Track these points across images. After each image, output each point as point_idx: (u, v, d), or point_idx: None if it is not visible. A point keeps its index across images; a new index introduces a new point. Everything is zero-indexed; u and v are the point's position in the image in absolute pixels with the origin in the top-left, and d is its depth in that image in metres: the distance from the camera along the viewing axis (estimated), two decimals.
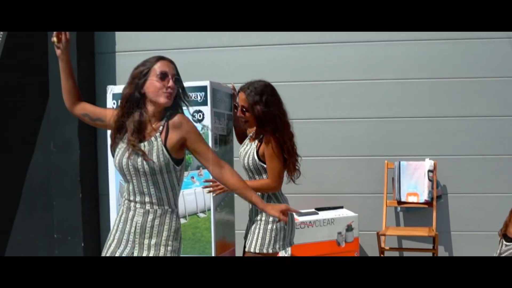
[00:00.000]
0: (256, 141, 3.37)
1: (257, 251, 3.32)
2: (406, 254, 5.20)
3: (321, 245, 4.65)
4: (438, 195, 5.09)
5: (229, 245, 3.89)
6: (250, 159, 3.35)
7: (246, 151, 3.41)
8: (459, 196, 5.14)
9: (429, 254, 4.95)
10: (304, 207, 4.94)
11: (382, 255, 4.82)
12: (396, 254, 5.21)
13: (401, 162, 5.08)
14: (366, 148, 5.22)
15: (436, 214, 5.00)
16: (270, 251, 3.31)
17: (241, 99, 3.30)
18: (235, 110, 3.60)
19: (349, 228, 4.75)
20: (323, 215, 4.76)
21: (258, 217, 3.34)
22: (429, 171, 4.99)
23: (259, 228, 3.34)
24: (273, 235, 3.32)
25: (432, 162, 5.02)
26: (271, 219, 3.25)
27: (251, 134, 3.44)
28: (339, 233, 4.71)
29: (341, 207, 5.06)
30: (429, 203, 4.99)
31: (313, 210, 4.94)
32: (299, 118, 5.13)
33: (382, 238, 4.88)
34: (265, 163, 3.29)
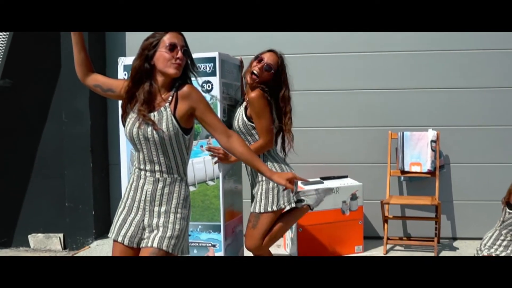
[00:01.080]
0: (245, 103, 3.48)
1: (262, 210, 3.40)
2: (409, 222, 5.27)
3: (326, 213, 4.67)
4: (441, 165, 5.12)
5: (236, 213, 3.96)
6: (240, 120, 3.46)
7: (236, 114, 3.53)
8: (462, 166, 5.17)
9: (432, 222, 5.01)
10: (310, 177, 4.94)
11: (385, 223, 4.89)
12: (399, 222, 5.28)
13: (405, 133, 5.09)
14: (370, 119, 5.25)
15: (439, 183, 5.03)
16: (275, 208, 3.40)
17: (270, 58, 3.41)
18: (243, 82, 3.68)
19: (354, 197, 4.78)
20: (328, 184, 4.78)
21: (259, 179, 3.43)
22: (432, 141, 5.00)
23: (261, 189, 3.43)
24: (275, 193, 3.40)
25: (435, 132, 5.03)
26: None
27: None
28: (344, 202, 4.75)
29: (346, 177, 5.10)
30: (432, 172, 5.02)
31: (319, 179, 4.98)
32: (305, 89, 5.19)
33: (386, 206, 4.91)
34: (253, 123, 3.42)
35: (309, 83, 5.24)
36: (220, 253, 3.61)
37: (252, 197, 3.56)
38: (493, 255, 3.40)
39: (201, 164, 3.60)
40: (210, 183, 3.62)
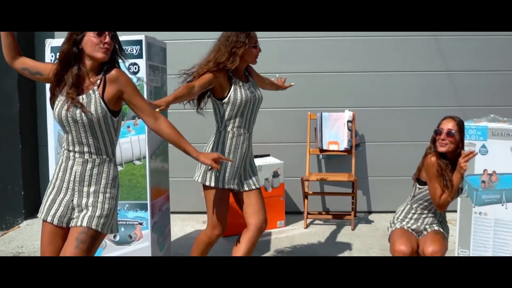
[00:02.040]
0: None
1: (199, 180, 3.37)
2: (327, 197, 5.50)
3: None
4: (357, 144, 5.36)
5: (163, 192, 4.02)
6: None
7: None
8: (376, 144, 5.44)
9: (349, 197, 5.24)
10: None
11: (306, 199, 5.08)
12: (318, 198, 5.50)
13: (323, 113, 5.28)
14: (291, 101, 5.39)
15: (355, 161, 5.26)
16: (207, 183, 3.34)
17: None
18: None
19: (275, 175, 4.93)
20: None
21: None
22: (348, 121, 5.21)
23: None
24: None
25: (351, 113, 5.24)
26: None
27: None
28: (266, 179, 4.88)
29: (268, 155, 5.24)
30: (348, 151, 5.23)
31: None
32: None
33: (306, 183, 5.10)
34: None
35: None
36: (147, 231, 3.68)
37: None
38: (405, 227, 3.54)
39: (128, 144, 3.63)
40: (137, 162, 3.66)
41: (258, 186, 3.45)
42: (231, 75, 3.28)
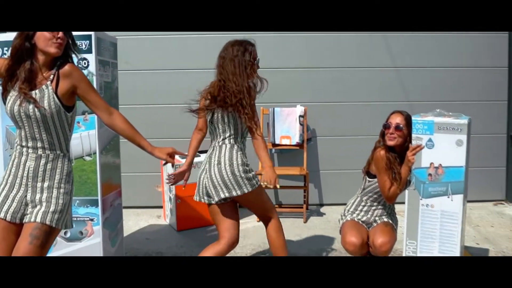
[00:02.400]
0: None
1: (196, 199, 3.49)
2: (280, 191, 5.54)
3: None
4: (308, 138, 5.41)
5: (115, 187, 3.97)
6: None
7: None
8: (326, 138, 5.51)
9: (301, 190, 5.29)
10: (187, 150, 5.13)
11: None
12: (271, 191, 5.49)
13: (275, 109, 5.31)
14: None
15: (307, 155, 5.31)
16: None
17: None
18: None
19: None
20: (204, 157, 4.84)
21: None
22: (300, 116, 5.26)
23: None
24: None
25: (302, 108, 5.29)
26: None
27: None
28: None
29: None
30: (300, 145, 5.28)
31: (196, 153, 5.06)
32: (180, 68, 5.26)
33: (259, 177, 5.12)
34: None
35: (184, 63, 5.34)
36: (98, 227, 3.63)
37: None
38: (356, 219, 3.62)
39: (78, 140, 3.56)
40: (87, 158, 3.60)
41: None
42: None
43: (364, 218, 3.65)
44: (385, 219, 3.64)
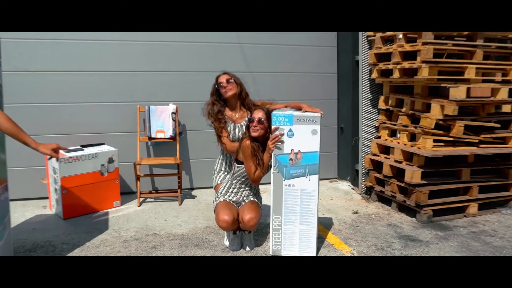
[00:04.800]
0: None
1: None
2: (156, 178, 5.35)
3: (87, 175, 4.51)
4: (180, 132, 5.28)
5: (1, 181, 3.63)
6: None
7: None
8: (195, 132, 5.41)
9: (175, 177, 5.17)
10: (73, 145, 4.78)
11: (138, 181, 4.92)
12: (149, 179, 5.33)
13: (151, 106, 5.11)
14: (122, 96, 5.15)
15: (179, 146, 5.21)
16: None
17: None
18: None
19: (110, 161, 4.68)
20: (87, 150, 4.62)
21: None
22: (172, 113, 5.13)
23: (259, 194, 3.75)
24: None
25: (174, 106, 5.15)
26: None
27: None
28: (102, 165, 4.62)
29: (103, 144, 4.96)
30: (173, 138, 5.15)
31: (79, 147, 4.76)
32: (75, 70, 4.97)
33: (138, 167, 4.90)
34: None
35: (76, 65, 5.03)
36: None
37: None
38: (227, 200, 3.61)
39: None
40: None
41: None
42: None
43: (234, 199, 3.65)
44: (252, 198, 3.67)
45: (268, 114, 3.49)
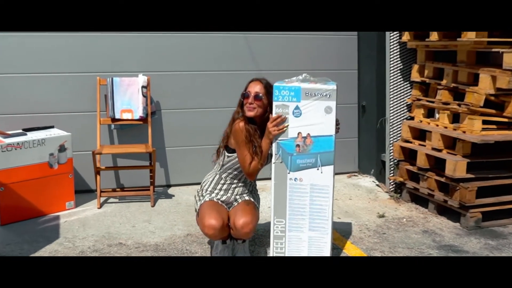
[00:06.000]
0: None
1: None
2: (122, 172, 5.33)
3: (31, 168, 4.48)
4: (153, 111, 5.23)
5: None
6: None
7: None
8: (173, 111, 5.37)
9: (146, 170, 5.14)
10: (12, 129, 4.72)
11: (98, 175, 4.88)
12: (112, 173, 5.30)
13: (114, 78, 5.06)
14: (77, 64, 5.11)
15: (152, 130, 5.16)
16: None
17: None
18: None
19: (62, 149, 4.64)
20: (32, 136, 4.57)
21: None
22: (143, 87, 5.08)
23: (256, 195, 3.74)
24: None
25: (145, 78, 5.10)
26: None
27: None
28: (51, 154, 4.59)
29: (52, 127, 4.92)
30: (144, 119, 5.11)
31: (21, 131, 4.71)
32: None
33: (97, 157, 4.87)
34: None
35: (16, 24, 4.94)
36: None
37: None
38: (215, 199, 3.55)
39: None
40: None
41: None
42: None
43: (224, 198, 3.61)
44: (246, 198, 3.63)
45: (268, 88, 3.46)
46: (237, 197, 3.66)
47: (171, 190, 5.44)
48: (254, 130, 3.47)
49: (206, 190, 3.68)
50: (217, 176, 3.67)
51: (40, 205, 4.64)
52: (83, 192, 5.21)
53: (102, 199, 5.03)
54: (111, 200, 5.13)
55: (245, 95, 3.47)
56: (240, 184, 3.66)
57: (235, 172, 3.62)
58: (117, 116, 5.15)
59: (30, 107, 5.07)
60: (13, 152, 4.42)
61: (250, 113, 3.45)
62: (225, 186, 3.65)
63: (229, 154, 3.58)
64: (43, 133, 4.73)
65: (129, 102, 5.16)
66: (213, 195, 3.64)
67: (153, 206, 4.96)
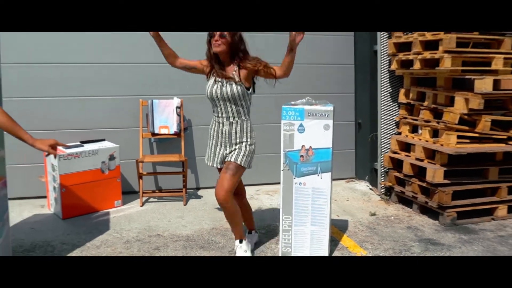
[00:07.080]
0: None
1: (243, 164, 3.46)
2: (160, 177, 5.48)
3: (87, 173, 4.65)
4: (185, 127, 5.40)
5: (0, 178, 3.79)
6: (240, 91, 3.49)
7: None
8: (201, 127, 5.51)
9: (180, 176, 5.28)
10: (71, 141, 4.88)
11: (140, 179, 5.03)
12: (152, 177, 5.45)
13: (154, 100, 5.24)
14: (124, 89, 5.29)
15: (184, 143, 5.32)
16: (250, 166, 3.54)
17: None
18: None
19: (112, 158, 4.82)
20: (87, 147, 4.75)
21: (244, 139, 3.51)
22: (177, 107, 5.25)
23: (247, 148, 3.47)
24: (252, 156, 3.48)
25: (179, 100, 5.27)
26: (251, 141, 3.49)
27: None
28: (103, 162, 4.76)
29: (103, 140, 5.08)
30: (177, 134, 5.27)
31: (78, 143, 4.88)
32: (73, 62, 5.09)
33: (140, 164, 5.03)
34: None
35: (73, 57, 5.13)
36: None
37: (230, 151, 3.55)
38: (215, 165, 3.66)
39: None
40: None
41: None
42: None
43: (219, 159, 3.74)
44: (231, 158, 3.52)
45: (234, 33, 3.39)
46: (225, 155, 3.58)
47: (200, 192, 5.57)
48: (218, 63, 3.47)
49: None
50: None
51: (94, 203, 4.80)
52: (129, 193, 5.35)
53: (144, 199, 5.19)
54: (151, 199, 5.27)
55: (211, 35, 3.40)
56: (226, 135, 3.57)
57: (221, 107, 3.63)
58: (156, 131, 5.30)
59: (85, 124, 5.25)
60: (72, 160, 4.60)
61: (216, 49, 3.38)
62: (214, 139, 3.68)
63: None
64: (96, 145, 4.90)
65: (166, 119, 5.31)
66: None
67: (185, 204, 5.08)
